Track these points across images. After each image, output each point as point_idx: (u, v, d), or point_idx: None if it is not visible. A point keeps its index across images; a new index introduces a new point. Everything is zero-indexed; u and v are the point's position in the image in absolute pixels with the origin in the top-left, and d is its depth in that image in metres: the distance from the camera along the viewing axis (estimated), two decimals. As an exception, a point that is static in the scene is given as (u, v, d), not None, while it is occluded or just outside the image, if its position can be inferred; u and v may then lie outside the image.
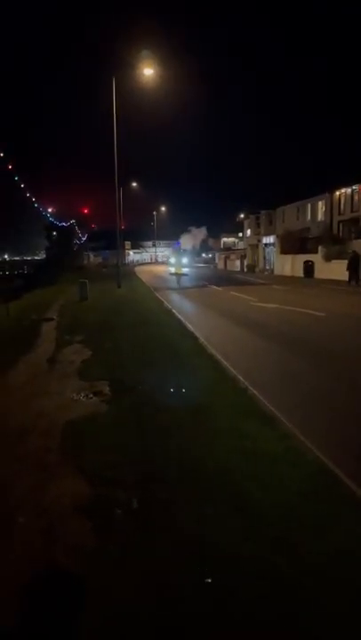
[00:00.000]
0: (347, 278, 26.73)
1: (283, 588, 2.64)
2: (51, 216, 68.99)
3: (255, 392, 6.30)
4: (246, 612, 2.49)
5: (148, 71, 23.59)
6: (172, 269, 47.13)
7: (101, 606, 2.57)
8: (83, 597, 2.66)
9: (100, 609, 2.55)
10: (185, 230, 73.54)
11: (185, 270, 42.56)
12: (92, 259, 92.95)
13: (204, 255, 70.31)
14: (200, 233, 74.38)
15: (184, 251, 61.61)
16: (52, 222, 66.10)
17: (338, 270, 29.12)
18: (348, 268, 26.54)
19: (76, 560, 2.97)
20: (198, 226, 75.76)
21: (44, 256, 79.58)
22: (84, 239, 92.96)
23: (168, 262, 53.90)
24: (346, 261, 27.61)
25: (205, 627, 2.41)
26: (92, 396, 6.37)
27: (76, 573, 2.86)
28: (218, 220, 75.88)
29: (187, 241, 70.04)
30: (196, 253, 71.29)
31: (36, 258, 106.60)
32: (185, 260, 57.72)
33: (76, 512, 3.49)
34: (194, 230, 74.06)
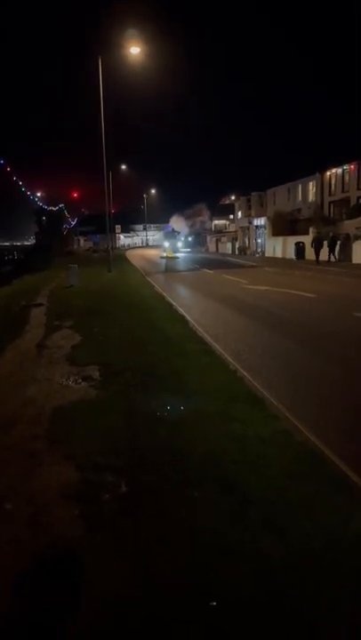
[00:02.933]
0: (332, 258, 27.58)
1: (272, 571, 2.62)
2: (40, 200, 67.95)
3: (245, 374, 6.27)
4: (236, 596, 2.46)
5: (134, 50, 23.14)
6: (165, 253, 46.81)
7: (93, 590, 2.54)
8: (73, 583, 2.62)
9: (91, 593, 2.52)
10: (179, 211, 72.20)
11: (177, 254, 42.30)
12: (83, 243, 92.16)
13: (189, 239, 67.28)
14: (199, 211, 72.82)
15: (178, 233, 60.75)
16: (41, 207, 65.12)
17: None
18: (312, 246, 28.61)
19: (64, 546, 2.93)
20: (189, 207, 73.86)
21: (34, 241, 78.76)
22: (73, 223, 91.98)
23: (163, 246, 53.51)
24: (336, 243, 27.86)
25: (196, 612, 2.38)
26: (81, 381, 6.30)
27: (64, 559, 2.83)
28: (209, 203, 75.15)
29: (180, 223, 68.85)
30: (193, 237, 70.17)
31: (25, 243, 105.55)
32: (180, 244, 56.96)
33: (63, 498, 3.45)
34: (187, 212, 72.93)
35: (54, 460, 4.04)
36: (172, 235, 59.47)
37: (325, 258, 28.17)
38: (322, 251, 28.42)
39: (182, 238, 62.46)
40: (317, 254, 28.36)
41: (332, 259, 28.14)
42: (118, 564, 2.73)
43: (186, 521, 3.09)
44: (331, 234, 28.82)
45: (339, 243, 28.10)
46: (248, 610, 2.37)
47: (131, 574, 2.64)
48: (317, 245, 28.51)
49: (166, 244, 55.09)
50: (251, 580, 2.55)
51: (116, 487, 3.55)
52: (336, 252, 28.16)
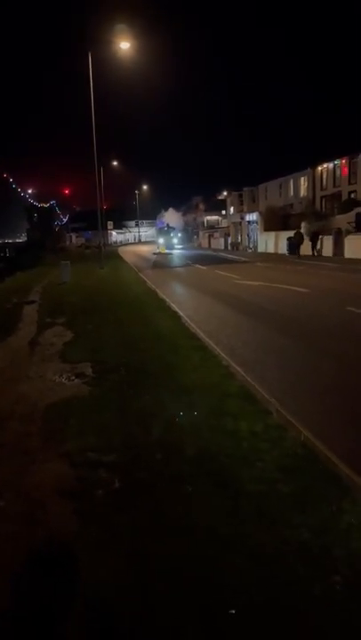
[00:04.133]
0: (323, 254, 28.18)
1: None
2: (31, 197, 67.39)
3: (239, 369, 6.28)
4: (231, 589, 2.48)
5: (124, 45, 23.01)
6: (157, 249, 46.47)
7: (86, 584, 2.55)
8: (67, 577, 2.63)
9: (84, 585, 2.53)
10: (172, 206, 70.90)
11: (171, 250, 42.04)
12: (75, 240, 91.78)
13: (179, 235, 61.78)
14: (196, 206, 71.02)
15: (173, 229, 59.76)
16: (33, 204, 64.76)
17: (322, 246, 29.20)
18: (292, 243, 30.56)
19: (59, 542, 2.93)
20: (181, 203, 71.89)
21: (26, 238, 78.25)
22: (65, 220, 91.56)
23: (157, 243, 53.15)
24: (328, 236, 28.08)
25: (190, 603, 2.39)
26: (74, 378, 6.29)
27: (58, 555, 2.83)
28: (201, 198, 74.68)
29: (174, 218, 67.70)
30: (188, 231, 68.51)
31: (17, 240, 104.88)
32: (175, 240, 55.88)
33: (58, 495, 3.45)
34: (182, 207, 71.58)
35: (48, 457, 4.04)
36: (167, 230, 58.51)
37: (327, 253, 28.66)
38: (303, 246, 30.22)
39: (179, 234, 61.20)
40: (298, 249, 30.22)
41: (315, 253, 29.45)
42: (113, 560, 2.74)
43: (182, 519, 3.11)
44: (312, 230, 30.28)
45: (321, 238, 29.34)
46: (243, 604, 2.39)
47: (125, 569, 2.65)
48: (298, 241, 30.46)
49: (161, 240, 53.93)
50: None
51: (109, 483, 3.56)
52: (317, 248, 29.58)
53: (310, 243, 29.73)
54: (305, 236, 30.38)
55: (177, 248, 51.75)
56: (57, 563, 2.79)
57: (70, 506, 3.30)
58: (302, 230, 31.80)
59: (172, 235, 57.56)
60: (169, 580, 2.56)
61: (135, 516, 3.14)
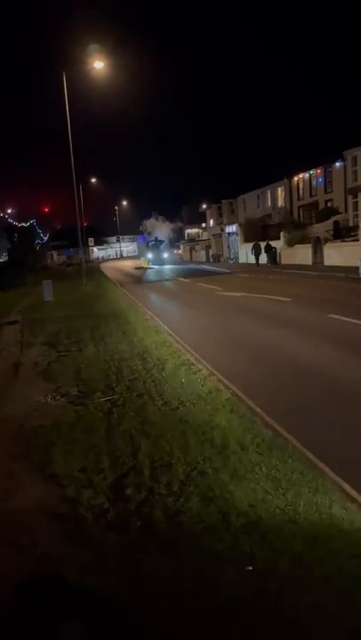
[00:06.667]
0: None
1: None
2: (10, 217, 67.07)
3: (226, 381, 6.31)
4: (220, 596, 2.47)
5: (98, 64, 23.23)
6: (141, 264, 45.51)
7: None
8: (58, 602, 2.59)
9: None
10: (151, 218, 66.66)
11: (157, 265, 40.84)
12: (56, 258, 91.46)
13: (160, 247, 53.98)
14: (169, 225, 66.08)
15: (160, 242, 52.93)
16: (12, 223, 64.40)
17: (301, 255, 29.59)
18: (253, 254, 33.70)
19: (45, 566, 2.89)
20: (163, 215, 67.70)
21: (7, 258, 77.66)
22: (45, 238, 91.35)
23: (146, 258, 47.49)
24: (309, 245, 28.56)
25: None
26: (59, 397, 6.24)
27: (47, 578, 2.79)
28: (179, 213, 74.85)
29: (161, 230, 62.70)
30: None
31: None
32: (166, 255, 50.27)
33: (44, 518, 3.40)
34: (162, 221, 66.71)
35: (33, 479, 3.99)
36: (156, 244, 52.02)
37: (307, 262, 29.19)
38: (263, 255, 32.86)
39: (168, 247, 54.22)
40: (257, 259, 33.28)
41: (269, 263, 31.81)
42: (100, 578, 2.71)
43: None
44: (267, 241, 33.34)
45: (273, 250, 32.30)
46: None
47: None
48: (257, 251, 33.36)
49: (150, 255, 48.09)
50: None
51: (98, 505, 3.53)
52: (273, 258, 32.16)
53: (266, 253, 32.43)
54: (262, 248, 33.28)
55: (167, 263, 46.90)
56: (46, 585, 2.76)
57: (57, 528, 3.26)
58: (282, 240, 32.43)
59: (161, 248, 51.47)
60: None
61: (125, 535, 3.10)
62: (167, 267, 42.99)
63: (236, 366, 7.48)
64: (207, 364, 7.42)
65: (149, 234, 61.82)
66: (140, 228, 68.27)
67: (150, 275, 31.50)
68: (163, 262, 45.19)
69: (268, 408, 5.28)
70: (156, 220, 66.12)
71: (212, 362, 7.53)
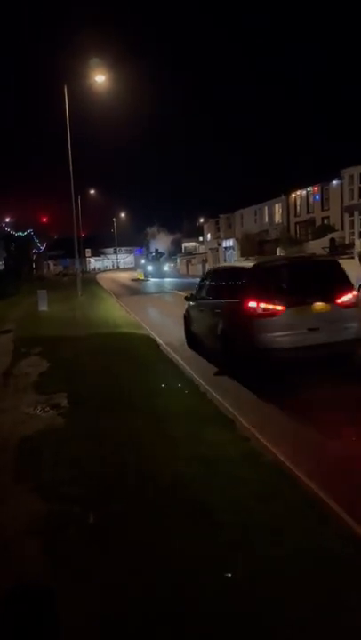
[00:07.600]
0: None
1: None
2: (8, 226, 67.09)
3: (214, 394, 6.30)
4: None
5: (100, 78, 23.51)
6: (139, 276, 45.19)
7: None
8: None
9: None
10: (154, 227, 65.70)
11: (158, 278, 39.87)
12: (52, 267, 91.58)
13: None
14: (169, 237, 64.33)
15: (161, 254, 51.36)
16: (9, 232, 64.51)
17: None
18: None
19: (30, 579, 2.85)
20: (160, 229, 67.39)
21: (3, 267, 77.63)
22: (42, 248, 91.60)
23: (144, 270, 46.08)
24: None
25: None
26: (49, 409, 6.20)
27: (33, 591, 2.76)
28: (178, 226, 75.17)
29: (162, 242, 61.40)
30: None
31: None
32: (166, 268, 48.83)
33: (30, 531, 3.37)
34: (163, 233, 65.42)
35: (21, 490, 3.95)
36: (156, 256, 50.70)
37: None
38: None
39: (167, 261, 52.75)
40: None
41: None
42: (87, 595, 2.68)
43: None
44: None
45: None
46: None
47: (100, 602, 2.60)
48: None
49: (150, 267, 46.51)
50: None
51: (84, 519, 3.49)
52: None
53: None
54: None
55: (167, 276, 45.48)
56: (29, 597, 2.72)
57: (42, 540, 3.23)
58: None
59: (162, 260, 50.03)
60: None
61: (109, 548, 3.07)
62: (164, 279, 42.55)
63: (230, 381, 7.43)
64: (195, 373, 7.38)
65: (149, 242, 61.28)
66: (147, 237, 66.70)
67: (146, 287, 31.53)
68: (163, 275, 44.06)
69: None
70: (158, 231, 66.17)
71: (196, 369, 7.50)
